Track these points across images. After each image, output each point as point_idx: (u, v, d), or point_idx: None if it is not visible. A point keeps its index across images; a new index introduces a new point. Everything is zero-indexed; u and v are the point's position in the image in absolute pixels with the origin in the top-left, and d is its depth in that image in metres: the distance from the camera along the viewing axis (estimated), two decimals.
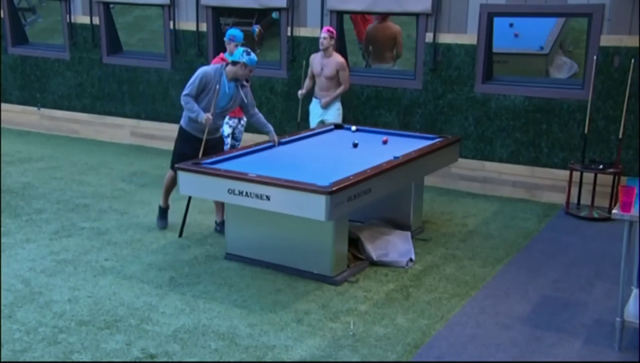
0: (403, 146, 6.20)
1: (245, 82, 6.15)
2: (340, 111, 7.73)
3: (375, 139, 6.59)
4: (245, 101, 6.17)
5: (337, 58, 7.62)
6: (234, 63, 5.91)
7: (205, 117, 5.85)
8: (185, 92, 5.95)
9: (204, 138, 5.97)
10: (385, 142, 6.43)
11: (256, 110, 6.33)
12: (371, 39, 9.06)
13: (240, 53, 5.91)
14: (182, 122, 6.16)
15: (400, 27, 8.93)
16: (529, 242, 6.37)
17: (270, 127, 6.33)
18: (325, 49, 7.52)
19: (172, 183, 6.27)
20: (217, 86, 5.88)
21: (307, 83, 7.81)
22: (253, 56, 5.92)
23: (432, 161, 6.34)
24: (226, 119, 7.22)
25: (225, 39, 7.23)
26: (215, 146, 6.15)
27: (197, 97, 5.94)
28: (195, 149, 5.92)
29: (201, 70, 5.98)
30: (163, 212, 6.50)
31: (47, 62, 10.41)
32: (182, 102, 5.96)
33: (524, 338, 4.57)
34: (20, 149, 9.47)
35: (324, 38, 7.49)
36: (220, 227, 6.34)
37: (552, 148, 7.49)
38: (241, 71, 5.93)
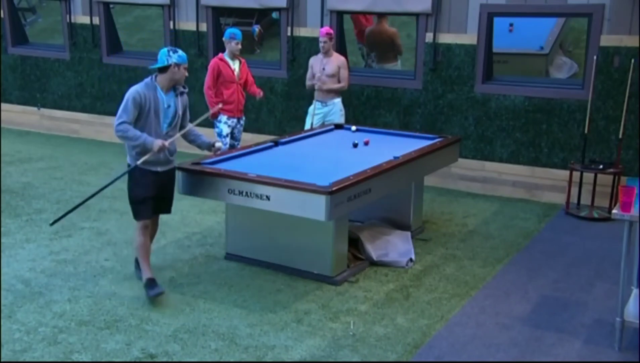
0: (403, 146, 6.20)
1: (183, 88, 5.13)
2: (343, 112, 7.75)
3: (375, 139, 6.59)
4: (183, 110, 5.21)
5: (339, 57, 7.68)
6: (164, 69, 4.94)
7: (159, 144, 4.88)
8: (118, 121, 4.86)
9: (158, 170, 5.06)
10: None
11: (190, 124, 5.30)
12: (371, 43, 9.09)
13: (165, 55, 4.92)
14: (129, 158, 5.08)
15: (396, 29, 8.95)
16: (529, 242, 6.37)
17: (204, 137, 5.43)
18: (327, 51, 7.57)
19: (147, 241, 5.15)
20: (155, 102, 4.95)
21: (309, 83, 7.79)
22: (181, 52, 5.01)
23: (432, 161, 6.34)
24: (224, 118, 7.23)
25: (224, 38, 7.23)
26: (170, 180, 5.22)
27: (135, 124, 4.92)
28: (152, 187, 5.06)
29: (130, 91, 4.91)
30: (151, 282, 5.02)
31: (47, 62, 10.41)
32: (119, 135, 4.86)
33: (524, 338, 4.57)
34: (20, 149, 9.47)
35: (324, 42, 7.53)
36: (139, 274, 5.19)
37: (552, 148, 7.49)
38: (177, 74, 4.97)
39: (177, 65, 4.94)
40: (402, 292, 5.23)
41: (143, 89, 4.91)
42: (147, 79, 4.98)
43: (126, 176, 5.11)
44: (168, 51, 4.95)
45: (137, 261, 5.27)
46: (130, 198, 5.12)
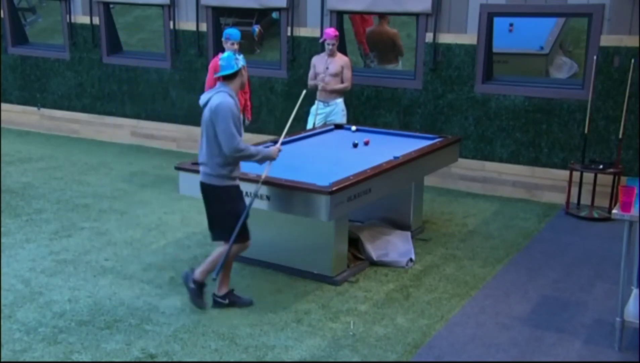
0: (403, 146, 6.20)
1: None
2: (345, 112, 7.75)
3: (375, 139, 6.59)
4: None
5: (343, 57, 7.70)
6: (233, 75, 4.67)
7: (276, 150, 4.85)
8: (234, 142, 4.54)
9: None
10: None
11: None
12: (371, 44, 9.10)
13: (233, 60, 4.67)
14: (218, 180, 4.67)
15: (396, 30, 8.96)
16: (529, 242, 6.37)
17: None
18: (332, 52, 7.58)
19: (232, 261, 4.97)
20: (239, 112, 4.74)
21: (311, 83, 7.78)
22: (241, 54, 4.88)
23: (432, 161, 6.34)
24: None
25: (222, 38, 7.23)
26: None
27: None
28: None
29: (225, 107, 4.55)
30: (201, 288, 4.92)
31: (47, 62, 10.41)
32: (241, 154, 4.61)
33: (524, 338, 4.57)
34: (20, 149, 9.47)
35: (333, 44, 7.52)
36: (221, 299, 4.93)
37: (552, 148, 7.48)
38: (244, 77, 4.80)
39: (245, 67, 4.76)
40: (402, 292, 5.22)
41: (232, 100, 4.62)
42: (226, 89, 4.64)
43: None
44: (235, 53, 4.71)
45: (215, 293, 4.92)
46: (236, 219, 4.69)
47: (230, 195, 4.74)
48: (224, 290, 4.93)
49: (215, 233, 4.92)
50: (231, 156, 4.60)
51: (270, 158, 4.86)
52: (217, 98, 4.62)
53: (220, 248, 4.84)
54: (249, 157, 4.70)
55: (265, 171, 4.88)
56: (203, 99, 4.74)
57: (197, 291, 4.87)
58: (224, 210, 4.75)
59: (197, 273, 4.88)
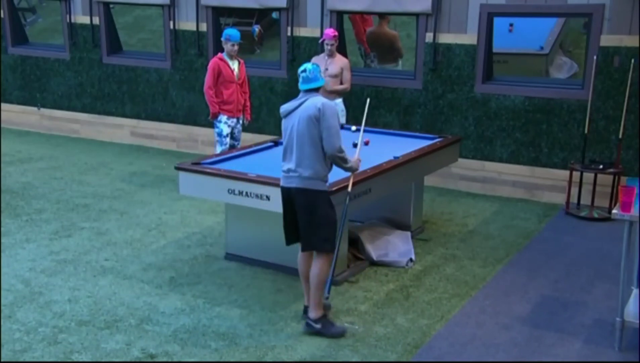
0: (403, 146, 6.20)
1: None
2: (344, 112, 7.76)
3: (375, 139, 6.58)
4: None
5: (342, 58, 7.71)
6: (320, 88, 4.56)
7: (358, 160, 4.76)
8: (339, 141, 4.41)
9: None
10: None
11: None
12: (371, 45, 9.11)
13: (318, 72, 4.53)
14: (322, 184, 4.48)
15: (396, 32, 8.95)
16: (529, 242, 6.37)
17: None
18: (332, 53, 7.59)
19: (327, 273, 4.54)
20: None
21: None
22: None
23: (432, 161, 6.34)
24: (224, 118, 7.22)
25: (222, 38, 7.23)
26: None
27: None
28: None
29: (331, 105, 4.45)
30: (325, 318, 4.61)
31: (47, 62, 10.41)
32: (341, 155, 4.46)
33: (524, 338, 4.57)
34: (20, 149, 9.47)
35: (332, 45, 7.53)
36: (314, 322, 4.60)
37: (552, 148, 7.48)
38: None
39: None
40: (402, 292, 5.22)
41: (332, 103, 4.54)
42: (318, 94, 4.53)
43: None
44: (318, 66, 4.62)
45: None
46: (327, 223, 4.48)
47: (330, 200, 4.53)
48: (319, 312, 4.56)
49: (310, 242, 4.52)
50: (332, 155, 4.41)
51: (354, 171, 4.73)
52: (316, 100, 4.43)
53: (314, 270, 4.52)
54: (343, 161, 4.50)
55: (350, 180, 4.77)
56: (289, 106, 4.53)
57: (326, 324, 4.54)
58: (327, 215, 4.47)
59: (312, 313, 4.55)
